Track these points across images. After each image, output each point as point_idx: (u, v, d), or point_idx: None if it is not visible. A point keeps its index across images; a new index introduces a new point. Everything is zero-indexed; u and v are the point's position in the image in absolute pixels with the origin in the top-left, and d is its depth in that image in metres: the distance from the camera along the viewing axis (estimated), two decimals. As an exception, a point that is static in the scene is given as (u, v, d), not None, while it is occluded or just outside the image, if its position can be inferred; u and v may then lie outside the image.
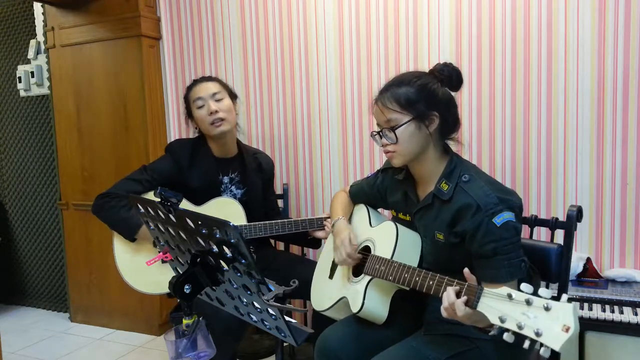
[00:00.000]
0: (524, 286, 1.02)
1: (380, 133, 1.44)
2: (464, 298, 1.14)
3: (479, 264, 1.33)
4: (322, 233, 2.06)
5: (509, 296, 1.03)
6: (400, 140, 1.40)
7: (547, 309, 0.96)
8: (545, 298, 0.98)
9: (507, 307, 1.03)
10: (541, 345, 0.95)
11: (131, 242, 2.02)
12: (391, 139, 1.41)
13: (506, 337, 1.01)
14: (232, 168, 2.18)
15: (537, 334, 0.95)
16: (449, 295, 1.17)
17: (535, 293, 1.00)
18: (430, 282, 1.28)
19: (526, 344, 0.98)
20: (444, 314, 1.19)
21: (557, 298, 0.98)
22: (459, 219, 1.36)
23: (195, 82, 2.17)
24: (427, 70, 1.49)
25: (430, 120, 1.41)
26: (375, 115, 1.47)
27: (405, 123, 1.39)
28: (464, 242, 1.37)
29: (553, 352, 1.53)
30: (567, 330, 0.93)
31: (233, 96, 2.19)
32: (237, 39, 2.73)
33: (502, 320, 1.02)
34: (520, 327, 0.98)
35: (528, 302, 0.99)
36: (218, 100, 2.10)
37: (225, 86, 2.17)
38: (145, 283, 2.00)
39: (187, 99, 2.17)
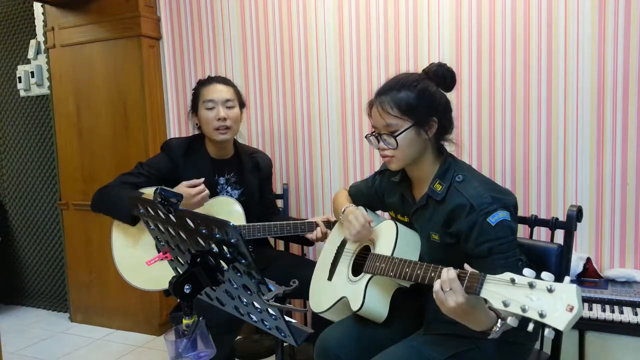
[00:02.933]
0: (526, 271, 1.02)
1: (378, 137, 1.43)
2: (456, 271, 1.15)
3: (475, 264, 1.32)
4: (311, 235, 2.05)
5: (512, 281, 1.03)
6: (400, 146, 1.39)
7: (550, 290, 0.96)
8: (548, 281, 0.98)
9: (510, 291, 1.03)
10: (546, 326, 0.95)
11: (129, 236, 2.01)
12: (391, 144, 1.40)
13: (510, 321, 1.01)
14: (228, 169, 2.17)
15: (541, 315, 0.95)
16: (442, 274, 1.17)
17: (538, 277, 1.00)
18: (432, 274, 1.27)
19: (530, 327, 0.98)
20: (435, 291, 1.17)
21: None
22: (453, 219, 1.36)
23: (211, 81, 2.13)
24: (421, 71, 1.48)
25: (430, 125, 1.41)
26: (373, 118, 1.45)
27: (406, 130, 1.39)
28: (459, 243, 1.37)
29: (553, 351, 1.54)
30: (571, 309, 0.92)
31: (242, 105, 2.17)
32: (237, 39, 2.73)
33: (505, 304, 1.02)
34: (524, 310, 0.98)
35: (531, 285, 0.99)
36: (229, 108, 2.08)
37: (238, 94, 2.15)
38: (142, 279, 1.99)
39: (196, 93, 2.14)
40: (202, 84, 2.14)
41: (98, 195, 2.04)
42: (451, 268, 1.17)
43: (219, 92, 2.09)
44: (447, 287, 1.14)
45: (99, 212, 2.05)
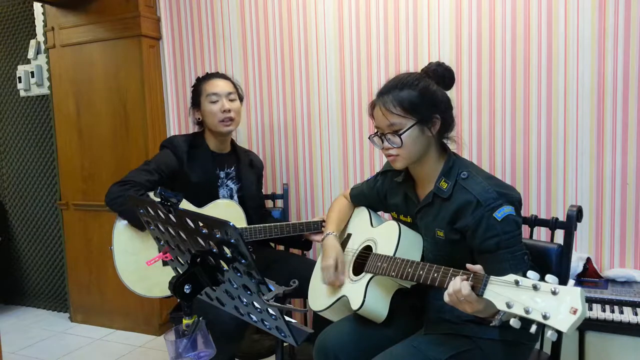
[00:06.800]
0: (530, 273, 1.02)
1: (382, 136, 1.44)
2: (470, 282, 1.14)
3: (482, 259, 1.33)
4: (318, 237, 2.06)
5: (516, 282, 1.03)
6: (404, 144, 1.40)
7: (554, 293, 0.96)
8: (552, 283, 0.98)
9: (514, 293, 1.03)
10: (549, 328, 0.95)
11: (130, 242, 2.01)
12: (395, 143, 1.41)
13: (513, 322, 1.01)
14: (227, 163, 2.21)
15: (545, 317, 0.95)
16: (455, 282, 1.16)
17: (542, 279, 1.00)
18: (435, 275, 1.27)
19: (533, 329, 0.98)
20: (446, 299, 1.17)
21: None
22: (459, 215, 1.37)
23: (211, 76, 2.19)
24: (420, 71, 1.49)
25: (433, 123, 1.42)
26: (375, 119, 1.46)
27: (410, 128, 1.39)
28: (464, 239, 1.37)
29: (553, 351, 1.54)
30: (575, 312, 0.92)
31: (241, 98, 2.23)
32: (237, 39, 2.73)
33: (509, 306, 1.02)
34: (527, 312, 0.98)
35: (535, 288, 0.99)
36: (231, 101, 2.14)
37: (237, 88, 2.21)
38: (145, 286, 1.98)
39: (197, 89, 2.18)
40: (204, 79, 2.19)
41: (119, 190, 1.96)
42: (465, 282, 1.14)
43: (222, 86, 2.15)
44: (461, 297, 1.14)
45: (114, 208, 1.99)
